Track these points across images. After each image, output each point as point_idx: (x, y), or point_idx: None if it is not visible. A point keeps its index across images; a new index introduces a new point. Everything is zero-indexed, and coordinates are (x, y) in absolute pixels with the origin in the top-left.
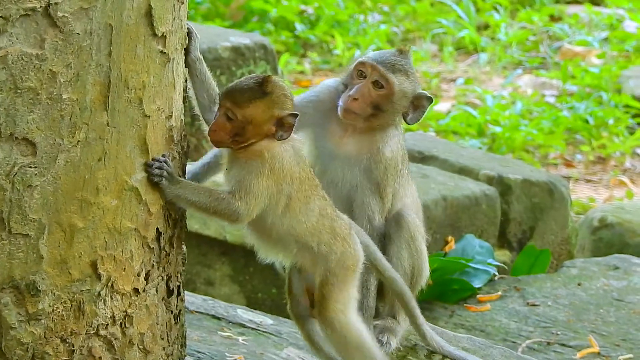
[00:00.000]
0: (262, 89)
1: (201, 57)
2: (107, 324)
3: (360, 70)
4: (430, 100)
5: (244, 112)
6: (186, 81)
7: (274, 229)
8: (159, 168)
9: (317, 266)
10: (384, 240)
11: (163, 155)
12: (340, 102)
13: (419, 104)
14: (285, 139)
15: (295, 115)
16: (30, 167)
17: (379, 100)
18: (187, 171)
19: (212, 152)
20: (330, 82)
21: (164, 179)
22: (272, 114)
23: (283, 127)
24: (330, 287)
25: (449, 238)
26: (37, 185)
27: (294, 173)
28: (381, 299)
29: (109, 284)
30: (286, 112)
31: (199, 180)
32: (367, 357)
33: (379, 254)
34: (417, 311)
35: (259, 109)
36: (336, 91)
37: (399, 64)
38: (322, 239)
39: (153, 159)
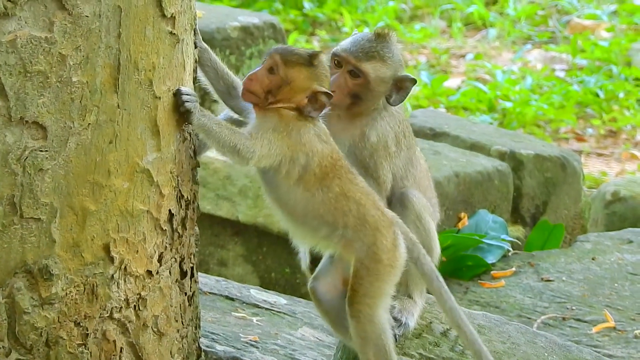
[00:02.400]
0: (310, 59)
1: (206, 46)
2: (121, 307)
3: (336, 60)
4: (413, 81)
5: (287, 71)
6: (196, 69)
7: (292, 202)
8: (188, 94)
9: (350, 255)
10: None
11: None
12: None
13: (402, 85)
14: (313, 117)
15: (330, 96)
16: (41, 151)
17: (356, 89)
18: None
19: (221, 115)
20: None
21: (193, 106)
22: (311, 85)
23: (315, 103)
24: (360, 279)
25: (462, 214)
26: (48, 169)
27: (314, 148)
28: None
29: (122, 266)
30: (323, 89)
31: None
32: (382, 358)
33: (426, 264)
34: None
35: (302, 74)
36: None
37: (373, 51)
38: (347, 222)
39: (180, 91)
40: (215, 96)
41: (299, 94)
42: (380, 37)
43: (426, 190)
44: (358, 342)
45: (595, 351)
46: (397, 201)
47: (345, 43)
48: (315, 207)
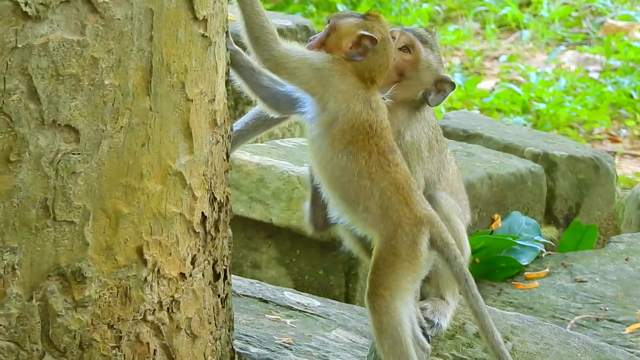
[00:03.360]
0: (364, 14)
1: (238, 48)
2: (154, 310)
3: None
4: (453, 86)
5: (336, 21)
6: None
7: (320, 155)
8: None
9: (374, 238)
10: None
11: None
12: None
13: (441, 87)
14: (358, 60)
15: (375, 42)
16: (74, 154)
17: (404, 66)
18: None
19: (252, 111)
20: None
21: None
22: (356, 30)
23: (359, 46)
24: (378, 269)
25: (495, 216)
26: (81, 172)
27: (351, 103)
28: (427, 281)
29: (155, 269)
30: (367, 33)
31: (242, 136)
32: (397, 351)
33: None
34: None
35: (349, 23)
36: None
37: (426, 37)
38: (369, 207)
39: None
40: (253, 96)
41: (345, 38)
42: (429, 32)
43: (457, 192)
44: (374, 333)
45: (629, 351)
46: None
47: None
48: (337, 172)
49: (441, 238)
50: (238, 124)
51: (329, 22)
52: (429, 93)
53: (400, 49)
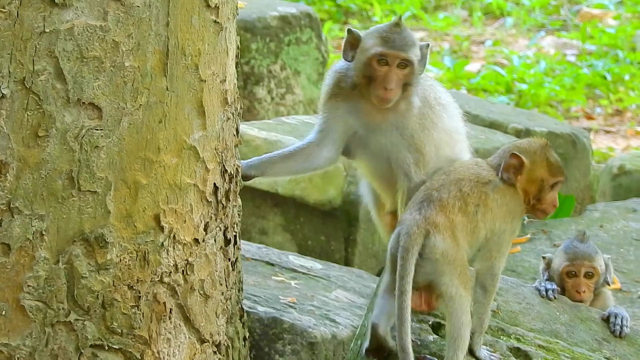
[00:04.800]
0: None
1: None
2: (170, 272)
3: (382, 59)
4: (427, 46)
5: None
6: (239, 55)
7: None
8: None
9: None
10: None
11: None
12: (376, 96)
13: (422, 54)
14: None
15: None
16: (97, 130)
17: (406, 79)
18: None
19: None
20: (337, 67)
21: None
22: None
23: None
24: None
25: None
26: (103, 146)
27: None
28: None
29: (171, 235)
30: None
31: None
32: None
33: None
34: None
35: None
36: (346, 72)
37: (407, 39)
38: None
39: None
40: None
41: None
42: (399, 25)
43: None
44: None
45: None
46: (430, 172)
47: (377, 41)
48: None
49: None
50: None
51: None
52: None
53: (397, 66)
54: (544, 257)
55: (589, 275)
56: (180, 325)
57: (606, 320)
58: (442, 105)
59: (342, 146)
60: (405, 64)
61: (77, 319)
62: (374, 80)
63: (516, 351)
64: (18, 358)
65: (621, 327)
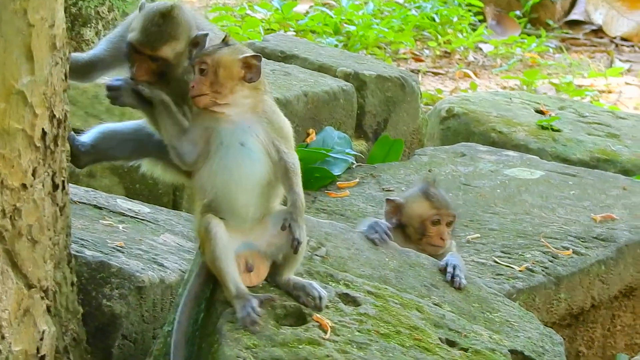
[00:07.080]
0: (224, 42)
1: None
2: None
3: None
4: (206, 35)
5: (212, 58)
6: None
7: None
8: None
9: None
10: None
11: None
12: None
13: (197, 42)
14: (255, 81)
15: (259, 59)
16: None
17: (161, 69)
18: None
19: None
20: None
21: None
22: (236, 57)
23: (251, 70)
24: None
25: (310, 130)
26: None
27: None
28: None
29: None
30: (248, 54)
31: None
32: None
33: None
34: None
35: (224, 54)
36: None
37: (164, 33)
38: None
39: None
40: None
41: (233, 68)
42: (166, 16)
43: None
44: None
45: (432, 255)
46: None
47: (136, 29)
48: None
49: None
50: None
51: (196, 63)
52: (190, 55)
53: (149, 57)
54: (390, 200)
55: (450, 223)
56: (7, 270)
57: (443, 270)
58: None
59: None
60: (156, 58)
61: None
62: None
63: (345, 297)
64: None
65: (460, 279)
